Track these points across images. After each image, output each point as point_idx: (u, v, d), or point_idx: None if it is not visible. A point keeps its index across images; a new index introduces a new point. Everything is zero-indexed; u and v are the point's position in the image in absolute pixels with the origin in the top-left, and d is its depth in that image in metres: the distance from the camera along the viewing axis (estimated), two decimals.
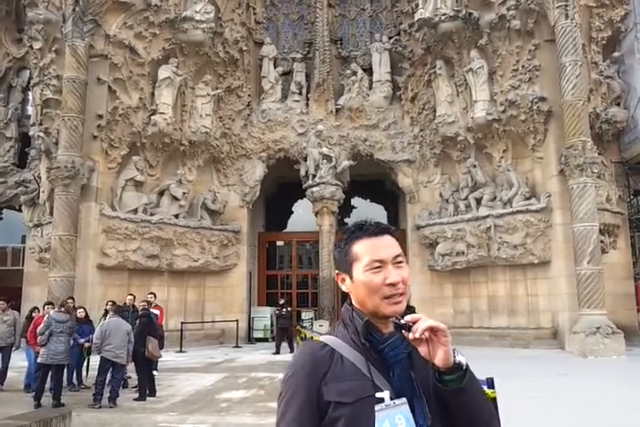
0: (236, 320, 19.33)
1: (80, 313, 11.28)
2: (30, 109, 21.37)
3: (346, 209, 22.51)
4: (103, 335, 9.41)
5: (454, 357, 1.45)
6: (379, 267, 1.53)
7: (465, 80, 18.88)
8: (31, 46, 18.72)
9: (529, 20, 17.16)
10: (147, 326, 10.17)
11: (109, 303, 11.71)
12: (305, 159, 20.38)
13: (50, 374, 9.55)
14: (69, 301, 12.15)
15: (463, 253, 18.58)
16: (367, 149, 20.54)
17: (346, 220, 23.14)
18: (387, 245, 1.57)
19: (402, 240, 20.67)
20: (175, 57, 19.08)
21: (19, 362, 11.72)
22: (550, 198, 17.05)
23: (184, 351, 16.95)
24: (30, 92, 20.70)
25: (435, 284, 19.65)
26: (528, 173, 18.12)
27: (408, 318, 1.46)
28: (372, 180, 22.71)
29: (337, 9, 22.64)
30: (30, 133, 20.08)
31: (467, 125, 18.76)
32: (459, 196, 19.30)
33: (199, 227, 19.50)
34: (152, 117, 18.49)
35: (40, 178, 18.71)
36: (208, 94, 19.81)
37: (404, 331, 1.47)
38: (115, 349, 9.39)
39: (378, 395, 1.44)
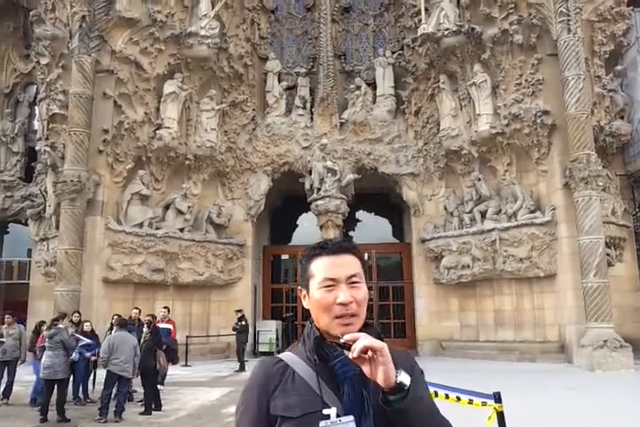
0: None
1: (87, 327, 11.31)
2: (37, 124, 21.55)
3: (351, 222, 22.50)
4: (110, 349, 9.40)
5: (396, 377, 1.41)
6: (331, 285, 1.54)
7: (468, 94, 18.96)
8: (38, 62, 18.99)
9: (531, 35, 17.27)
10: (156, 341, 10.20)
11: (115, 317, 11.74)
12: (309, 173, 20.41)
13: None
14: (75, 315, 12.21)
15: (469, 266, 18.52)
16: (371, 162, 20.58)
17: (351, 233, 23.11)
18: (343, 265, 1.57)
19: (407, 253, 21.06)
20: (180, 72, 19.23)
21: (25, 376, 11.72)
22: (555, 211, 17.02)
23: (189, 365, 16.89)
24: (37, 107, 20.90)
25: (440, 297, 19.58)
26: (533, 187, 18.11)
27: (347, 337, 1.43)
28: (377, 193, 22.70)
29: (340, 24, 22.79)
30: (37, 148, 20.23)
31: (470, 139, 18.81)
32: (463, 209, 19.29)
33: (204, 240, 19.52)
34: (157, 132, 18.60)
35: (46, 192, 18.83)
36: (213, 109, 19.94)
37: (345, 351, 1.45)
38: (122, 362, 9.37)
39: (324, 411, 1.44)
